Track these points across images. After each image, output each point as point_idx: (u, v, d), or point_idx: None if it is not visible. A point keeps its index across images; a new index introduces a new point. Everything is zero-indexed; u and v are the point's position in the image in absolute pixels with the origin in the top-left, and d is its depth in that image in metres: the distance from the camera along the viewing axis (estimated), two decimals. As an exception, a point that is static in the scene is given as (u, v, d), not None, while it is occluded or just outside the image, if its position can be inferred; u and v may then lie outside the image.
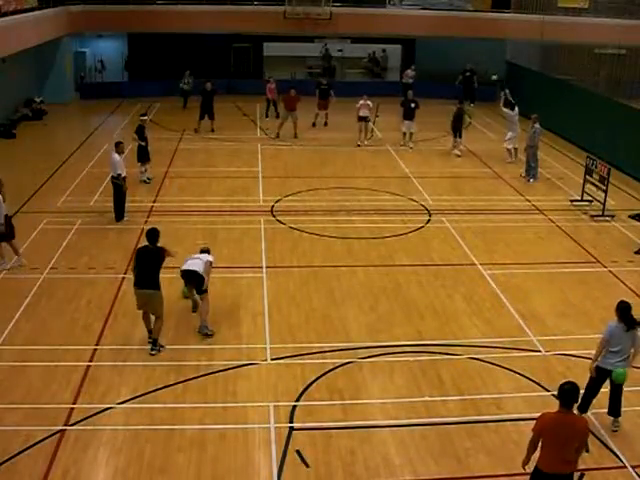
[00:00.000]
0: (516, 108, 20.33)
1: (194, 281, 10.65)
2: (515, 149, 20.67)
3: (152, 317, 10.22)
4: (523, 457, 6.88)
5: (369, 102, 21.97)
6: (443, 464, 8.03)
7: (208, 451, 8.13)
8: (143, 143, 17.59)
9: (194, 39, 29.52)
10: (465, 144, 22.35)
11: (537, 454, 6.76)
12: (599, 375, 8.49)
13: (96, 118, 25.90)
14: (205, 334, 10.58)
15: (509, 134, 20.55)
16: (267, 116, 25.77)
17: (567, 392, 6.55)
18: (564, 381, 6.75)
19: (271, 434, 8.44)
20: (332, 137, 23.35)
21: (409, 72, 28.90)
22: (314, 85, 24.77)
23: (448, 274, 13.12)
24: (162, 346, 10.13)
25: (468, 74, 28.16)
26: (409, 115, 21.98)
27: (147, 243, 10.21)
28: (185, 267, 10.64)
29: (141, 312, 10.27)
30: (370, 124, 23.00)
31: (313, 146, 22.22)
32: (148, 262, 9.96)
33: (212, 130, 23.19)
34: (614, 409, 8.62)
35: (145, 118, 18.43)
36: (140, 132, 17.59)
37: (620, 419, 8.66)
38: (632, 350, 8.40)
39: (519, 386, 9.61)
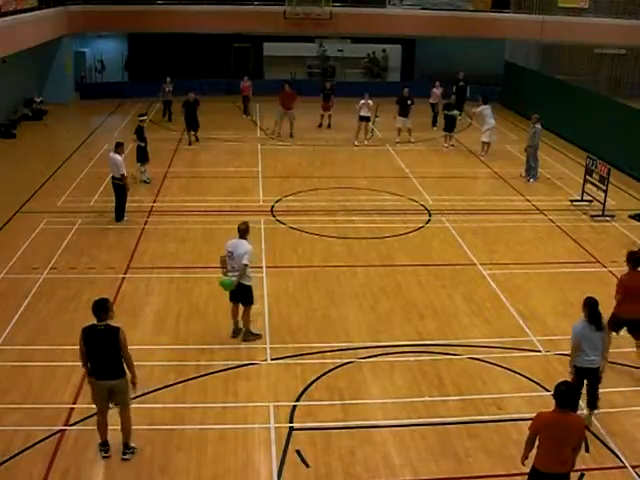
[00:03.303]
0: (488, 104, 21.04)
1: (239, 295, 10.26)
2: (487, 144, 21.15)
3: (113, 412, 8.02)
4: (521, 455, 6.91)
5: (370, 101, 22.03)
6: (443, 464, 8.02)
7: (208, 451, 8.12)
8: (142, 144, 17.58)
9: (194, 39, 29.55)
10: (465, 144, 22.36)
11: (534, 452, 6.76)
12: (579, 375, 8.40)
13: (96, 118, 25.91)
14: (248, 340, 10.39)
15: (485, 127, 21.04)
16: (248, 114, 25.87)
17: (563, 392, 6.54)
18: (560, 381, 6.76)
19: (271, 434, 8.43)
20: (332, 137, 23.39)
21: (435, 91, 25.14)
22: (318, 88, 25.03)
23: (448, 274, 13.11)
24: (134, 448, 8.09)
25: (462, 84, 25.83)
26: (405, 112, 22.38)
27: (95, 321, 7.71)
28: (226, 278, 10.07)
29: (97, 416, 8.01)
30: (370, 124, 22.97)
31: (313, 146, 22.23)
32: (102, 346, 7.62)
33: (197, 140, 22.14)
34: (592, 401, 8.60)
35: (144, 118, 18.39)
36: (139, 133, 17.57)
37: (594, 417, 8.66)
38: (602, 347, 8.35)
39: (519, 386, 9.61)
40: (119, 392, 7.81)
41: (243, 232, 10.18)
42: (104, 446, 8.00)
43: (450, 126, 22.05)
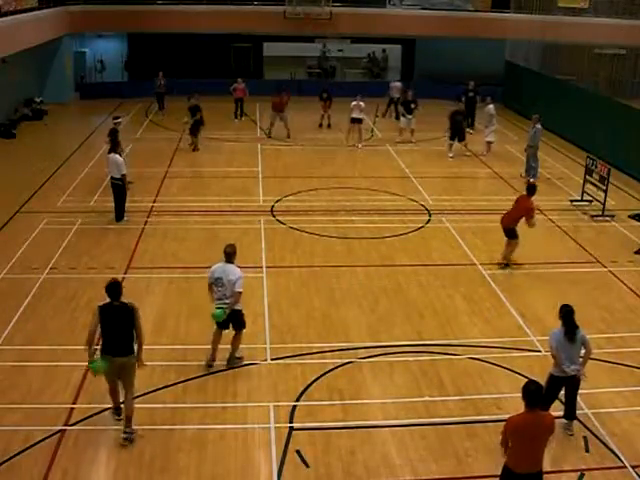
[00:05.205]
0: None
1: (231, 320, 9.57)
2: (491, 143, 21.45)
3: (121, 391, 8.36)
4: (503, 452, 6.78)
5: (361, 103, 21.86)
6: (443, 464, 8.02)
7: (208, 451, 8.12)
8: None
9: (194, 39, 29.56)
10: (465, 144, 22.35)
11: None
12: (555, 383, 8.27)
13: (96, 118, 25.87)
14: (234, 365, 9.81)
15: (491, 127, 21.29)
16: (236, 117, 25.72)
17: (532, 392, 6.54)
18: (528, 381, 6.77)
19: (271, 434, 8.43)
20: (332, 137, 23.39)
21: (396, 84, 25.98)
22: (319, 89, 25.21)
23: (448, 274, 13.11)
24: (135, 430, 8.26)
25: (471, 94, 24.42)
26: (409, 113, 22.63)
27: (109, 300, 8.04)
28: (218, 310, 9.39)
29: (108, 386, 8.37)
30: (362, 125, 22.65)
31: (313, 146, 22.23)
32: (118, 322, 7.96)
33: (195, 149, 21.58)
34: (570, 412, 8.51)
35: (119, 121, 18.13)
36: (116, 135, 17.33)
37: (574, 423, 8.58)
38: (583, 352, 8.24)
39: (519, 386, 9.41)
40: (127, 369, 8.09)
41: (230, 256, 9.45)
42: (117, 410, 8.41)
43: (457, 133, 21.26)
